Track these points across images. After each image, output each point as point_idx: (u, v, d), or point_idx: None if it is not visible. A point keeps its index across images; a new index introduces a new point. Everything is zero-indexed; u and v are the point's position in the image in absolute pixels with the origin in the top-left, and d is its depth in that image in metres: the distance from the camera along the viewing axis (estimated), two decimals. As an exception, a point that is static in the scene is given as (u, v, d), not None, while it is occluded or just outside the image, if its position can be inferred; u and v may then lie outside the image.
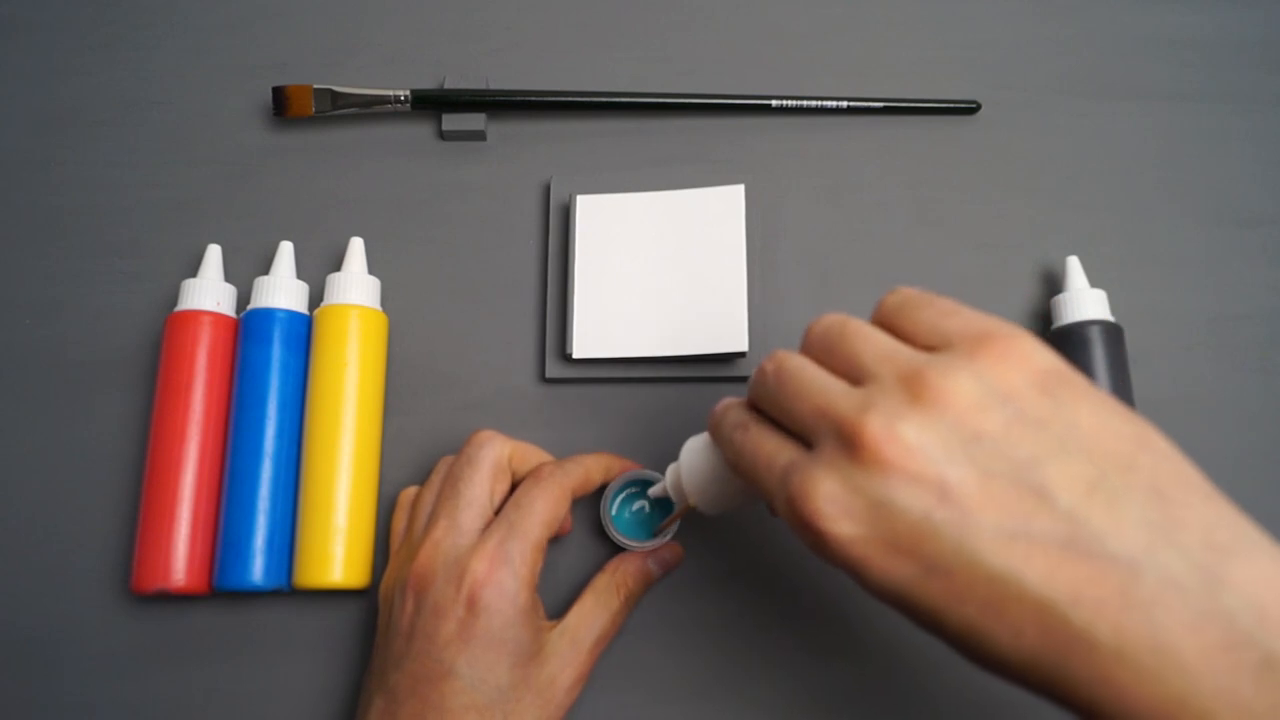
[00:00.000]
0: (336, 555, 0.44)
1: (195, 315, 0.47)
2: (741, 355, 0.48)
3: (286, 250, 0.49)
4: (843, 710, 0.44)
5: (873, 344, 0.31)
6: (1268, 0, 0.55)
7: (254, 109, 0.55)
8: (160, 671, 0.46)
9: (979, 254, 0.51)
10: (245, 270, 0.51)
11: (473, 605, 0.39)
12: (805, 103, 0.53)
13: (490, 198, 0.53)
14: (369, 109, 0.53)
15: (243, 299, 0.50)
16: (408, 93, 0.52)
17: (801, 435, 0.32)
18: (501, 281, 0.51)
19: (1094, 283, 0.48)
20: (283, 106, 0.52)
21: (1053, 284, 0.50)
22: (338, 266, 0.50)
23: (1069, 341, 0.46)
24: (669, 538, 0.45)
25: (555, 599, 0.46)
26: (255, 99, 0.55)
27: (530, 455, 0.45)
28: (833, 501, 0.29)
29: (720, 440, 0.35)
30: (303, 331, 0.48)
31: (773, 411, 0.33)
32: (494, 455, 0.43)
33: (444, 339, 0.50)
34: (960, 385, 0.28)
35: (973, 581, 0.27)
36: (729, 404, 0.36)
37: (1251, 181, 0.52)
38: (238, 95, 0.55)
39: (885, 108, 0.53)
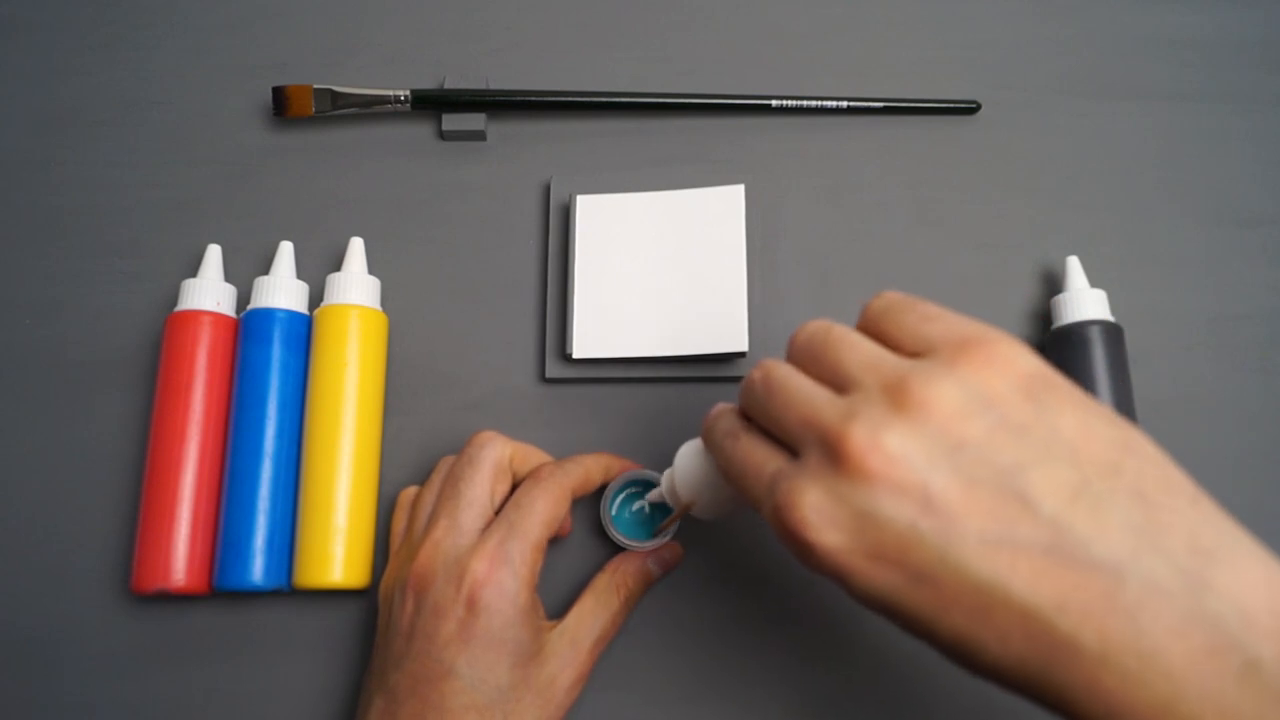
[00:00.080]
0: (336, 555, 0.44)
1: (195, 315, 0.47)
2: (741, 355, 0.48)
3: (286, 250, 0.49)
4: (841, 712, 0.44)
5: (856, 352, 0.31)
6: (1268, 0, 0.55)
7: (254, 109, 0.55)
8: (160, 671, 0.46)
9: (979, 254, 0.51)
10: (245, 270, 0.51)
11: (473, 605, 0.39)
12: (805, 103, 0.53)
13: (490, 198, 0.53)
14: (369, 109, 0.53)
15: (243, 299, 0.50)
16: (408, 93, 0.52)
17: (789, 444, 0.32)
18: (501, 281, 0.51)
19: (1094, 283, 0.48)
20: (283, 106, 0.53)
21: (1053, 284, 0.50)
22: (338, 266, 0.50)
23: (1069, 341, 0.46)
24: (669, 538, 0.45)
25: (555, 599, 0.46)
26: (255, 99, 0.55)
27: (531, 456, 0.45)
28: (818, 511, 0.29)
29: (712, 447, 0.36)
30: (303, 331, 0.48)
31: (761, 420, 0.33)
32: (495, 455, 0.43)
33: (444, 339, 0.50)
34: (943, 393, 0.28)
35: (958, 590, 0.27)
36: (721, 411, 0.36)
37: (1251, 181, 0.52)
38: (238, 95, 0.55)
39: (885, 108, 0.53)
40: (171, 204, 0.53)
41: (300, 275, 0.50)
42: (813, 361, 0.32)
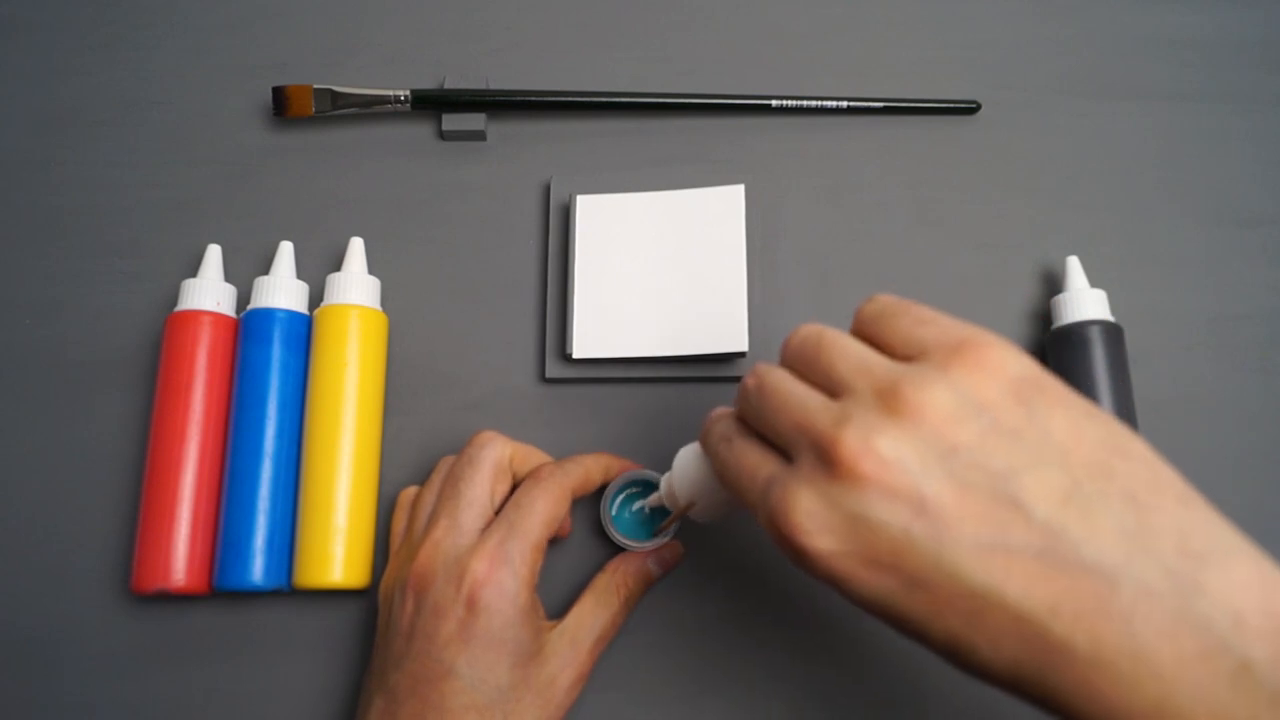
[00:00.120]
0: (336, 555, 0.44)
1: (195, 315, 0.47)
2: (741, 355, 0.48)
3: (286, 250, 0.49)
4: (840, 711, 0.44)
5: (848, 356, 0.31)
6: (1268, 0, 0.55)
7: (254, 109, 0.55)
8: (160, 671, 0.46)
9: (979, 254, 0.51)
10: (245, 270, 0.51)
11: (473, 605, 0.39)
12: (805, 103, 0.53)
13: (490, 198, 0.53)
14: (369, 109, 0.53)
15: (243, 299, 0.50)
16: (408, 93, 0.52)
17: (783, 449, 0.32)
18: (501, 281, 0.51)
19: (1094, 283, 0.48)
20: (283, 106, 0.53)
21: (1053, 284, 0.50)
22: (338, 266, 0.50)
23: (1069, 341, 0.46)
24: (669, 538, 0.45)
25: (555, 599, 0.46)
26: (255, 99, 0.55)
27: (531, 457, 0.45)
28: (812, 517, 0.29)
29: (708, 451, 0.36)
30: (303, 331, 0.48)
31: (756, 425, 0.33)
32: (495, 456, 0.43)
33: (444, 339, 0.50)
34: (935, 397, 0.29)
35: (952, 594, 0.28)
36: (718, 415, 0.36)
37: (1251, 181, 0.52)
38: (238, 95, 0.55)
39: (885, 108, 0.53)
40: (171, 204, 0.53)
41: (300, 275, 0.50)
42: (806, 366, 0.32)
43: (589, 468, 0.44)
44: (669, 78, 0.55)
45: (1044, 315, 0.50)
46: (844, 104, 0.53)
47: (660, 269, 0.49)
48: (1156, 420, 0.47)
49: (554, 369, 0.49)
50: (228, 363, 0.47)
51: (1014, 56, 0.55)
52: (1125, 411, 0.45)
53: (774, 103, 0.53)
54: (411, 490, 0.46)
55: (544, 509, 0.41)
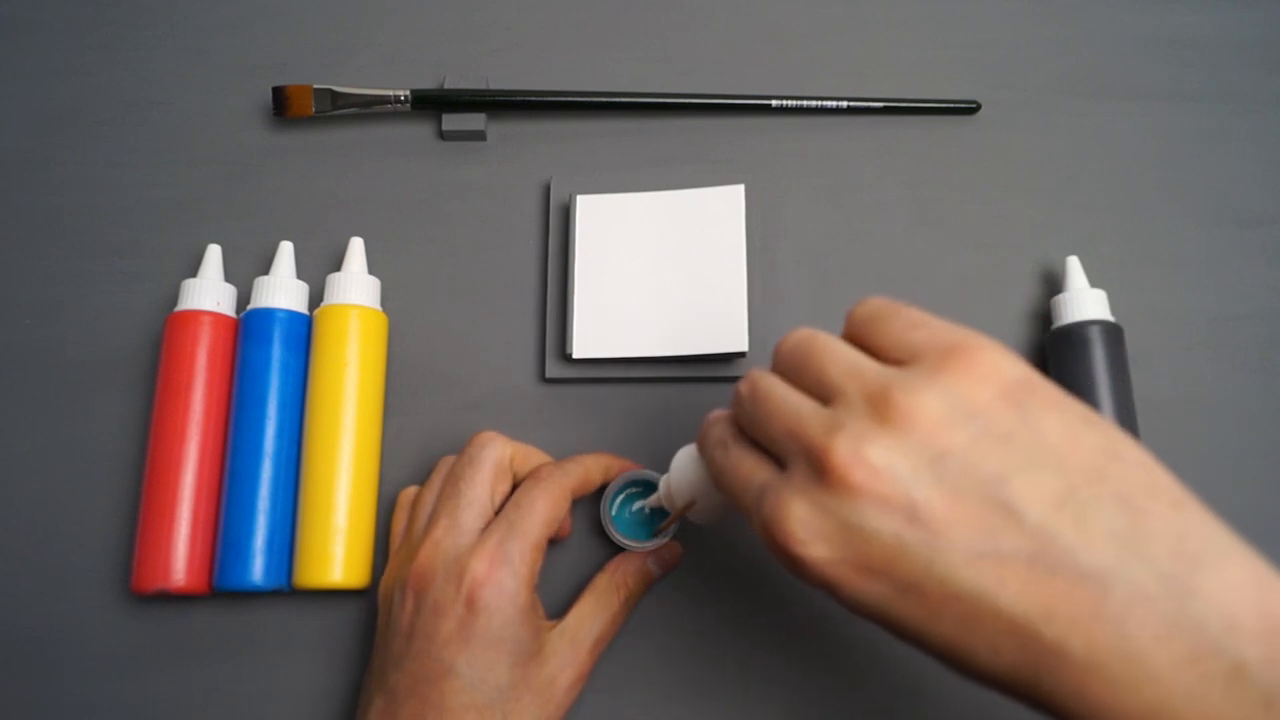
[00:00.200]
0: (336, 555, 0.44)
1: (195, 315, 0.47)
2: (741, 355, 0.48)
3: (286, 250, 0.49)
4: (839, 712, 0.44)
5: (839, 361, 0.31)
6: (1268, 0, 0.55)
7: (254, 109, 0.55)
8: (160, 671, 0.46)
9: (979, 254, 0.51)
10: (245, 270, 0.51)
11: (472, 604, 0.39)
12: (805, 103, 0.53)
13: (490, 198, 0.53)
14: (369, 109, 0.53)
15: (243, 299, 0.50)
16: (408, 93, 0.52)
17: (776, 455, 0.32)
18: (501, 281, 0.51)
19: (1094, 283, 0.48)
20: (283, 106, 0.53)
21: (1053, 284, 0.50)
22: (338, 266, 0.50)
23: (1069, 341, 0.46)
24: (669, 538, 0.45)
25: (555, 599, 0.46)
26: (255, 99, 0.55)
27: (531, 457, 0.45)
28: (805, 526, 0.29)
29: (705, 456, 0.36)
30: (303, 331, 0.48)
31: (750, 431, 0.33)
32: (496, 456, 0.43)
33: (444, 339, 0.50)
34: (926, 403, 0.28)
35: (946, 600, 0.28)
36: (716, 418, 0.36)
37: (1251, 181, 0.52)
38: (238, 95, 0.55)
39: (885, 108, 0.53)
40: (171, 204, 0.53)
41: (300, 275, 0.50)
42: (797, 372, 0.32)
43: (589, 468, 0.44)
44: (669, 78, 0.55)
45: (1044, 315, 0.50)
46: (844, 104, 0.53)
47: (660, 269, 0.49)
48: (1156, 420, 0.47)
49: (554, 369, 0.49)
50: (228, 363, 0.47)
51: (1014, 56, 0.55)
52: (1125, 411, 0.45)
53: (774, 103, 0.53)
54: (411, 490, 0.46)
55: (544, 509, 0.41)
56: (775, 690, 0.45)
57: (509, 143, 0.54)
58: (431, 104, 0.53)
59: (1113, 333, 0.46)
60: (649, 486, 0.46)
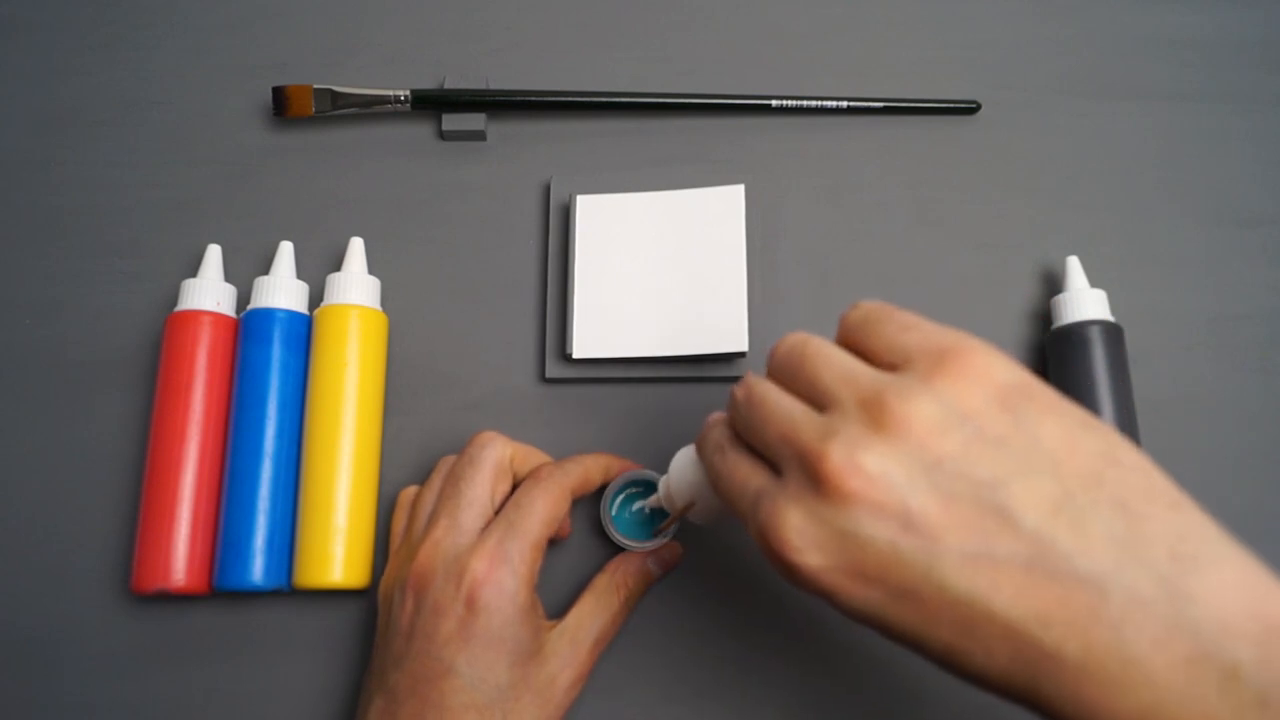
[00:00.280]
0: (336, 555, 0.44)
1: (195, 315, 0.47)
2: (741, 355, 0.48)
3: (286, 250, 0.49)
4: (839, 712, 0.44)
5: (833, 367, 0.31)
6: (1268, 0, 0.55)
7: (254, 109, 0.55)
8: (160, 671, 0.46)
9: (979, 254, 0.51)
10: (245, 270, 0.51)
11: (472, 604, 0.39)
12: (805, 103, 0.53)
13: (490, 198, 0.53)
14: (369, 109, 0.53)
15: (243, 299, 0.50)
16: (408, 93, 0.52)
17: (772, 461, 0.32)
18: (501, 281, 0.51)
19: (1094, 283, 0.48)
20: (283, 106, 0.53)
21: (1053, 284, 0.50)
22: (338, 266, 0.50)
23: (1069, 341, 0.46)
24: (669, 538, 0.45)
25: (555, 599, 0.46)
26: (255, 99, 0.55)
27: (531, 457, 0.45)
28: (800, 534, 0.29)
29: (703, 459, 0.36)
30: (303, 331, 0.48)
31: (746, 436, 0.33)
32: (496, 456, 0.43)
33: (444, 339, 0.50)
34: (919, 408, 0.28)
35: (942, 606, 0.28)
36: (715, 421, 0.36)
37: (1251, 181, 0.52)
38: (238, 95, 0.55)
39: (885, 108, 0.53)
40: (171, 204, 0.53)
41: (300, 275, 0.50)
42: (791, 377, 0.32)
43: (589, 468, 0.44)
44: (669, 78, 0.55)
45: (1044, 315, 0.50)
46: (844, 104, 0.53)
47: (660, 269, 0.49)
48: (1156, 420, 0.47)
49: (554, 369, 0.49)
50: (228, 363, 0.47)
51: (1014, 56, 0.55)
52: (1125, 412, 0.45)
53: (774, 103, 0.53)
54: (411, 490, 0.46)
55: (544, 508, 0.41)
56: (774, 691, 0.45)
57: (509, 143, 0.54)
58: (431, 104, 0.53)
59: (1113, 333, 0.46)
60: (649, 486, 0.46)
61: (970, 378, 0.29)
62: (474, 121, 0.53)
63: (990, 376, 0.29)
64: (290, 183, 0.53)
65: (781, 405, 0.32)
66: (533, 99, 0.53)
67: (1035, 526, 0.27)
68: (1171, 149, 0.53)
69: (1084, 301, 0.47)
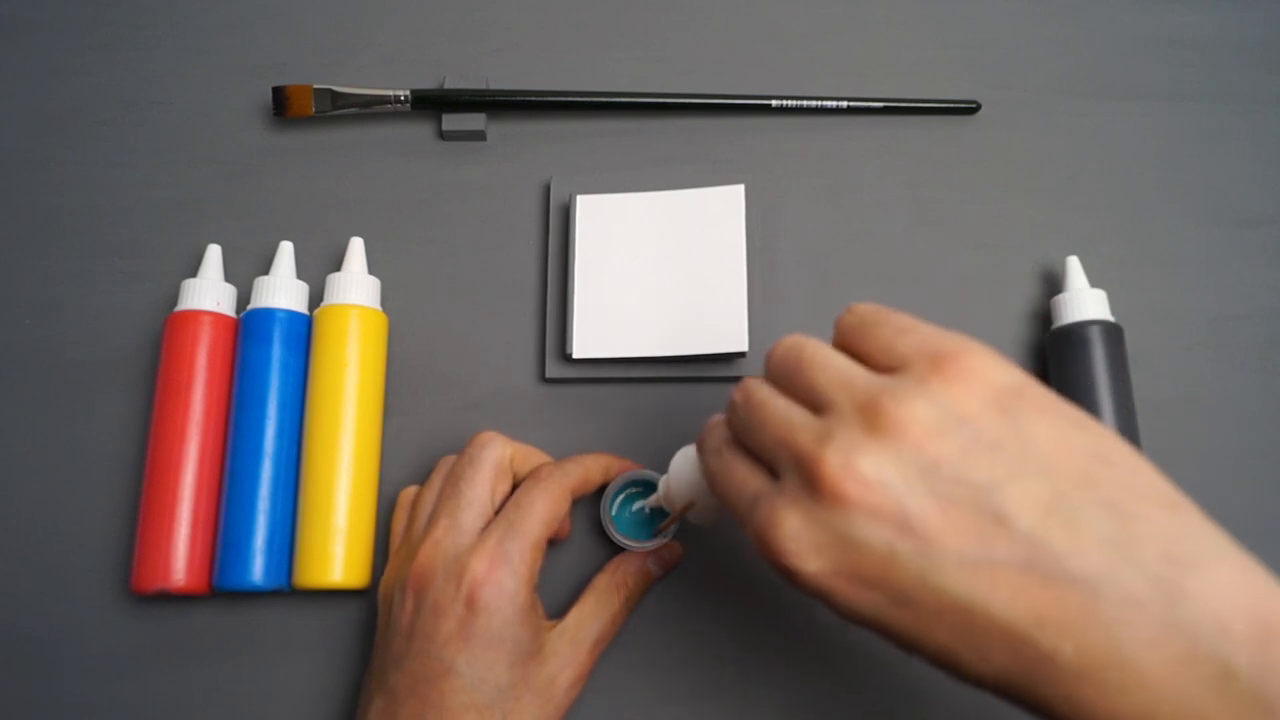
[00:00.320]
0: (336, 555, 0.44)
1: (195, 315, 0.47)
2: (741, 355, 0.48)
3: (286, 250, 0.49)
4: (839, 713, 0.44)
5: (829, 370, 0.31)
6: (1268, 0, 0.55)
7: (254, 109, 0.55)
8: (160, 671, 0.46)
9: (979, 254, 0.51)
10: (245, 270, 0.51)
11: (472, 604, 0.39)
12: (805, 103, 0.53)
13: (490, 198, 0.53)
14: (369, 109, 0.53)
15: (243, 299, 0.50)
16: (408, 93, 0.52)
17: (769, 464, 0.32)
18: (501, 281, 0.51)
19: (1094, 283, 0.48)
20: (283, 106, 0.53)
21: (1053, 284, 0.50)
22: (338, 266, 0.50)
23: (1069, 341, 0.46)
24: (669, 538, 0.45)
25: (555, 599, 0.46)
26: (255, 99, 0.55)
27: (531, 457, 0.45)
28: (797, 538, 0.29)
29: (702, 461, 0.36)
30: (303, 331, 0.48)
31: (743, 439, 0.33)
32: (496, 456, 0.43)
33: (444, 339, 0.50)
34: (916, 412, 0.28)
35: (939, 609, 0.28)
36: (713, 424, 0.36)
37: (1251, 181, 0.52)
38: (238, 95, 0.55)
39: (885, 108, 0.53)
40: (171, 204, 0.53)
41: (300, 275, 0.50)
42: (788, 381, 0.32)
43: (589, 468, 0.44)
44: (669, 78, 0.55)
45: (1044, 315, 0.50)
46: (844, 104, 0.53)
47: (660, 269, 0.49)
48: (1156, 420, 0.47)
49: (554, 369, 0.49)
50: (228, 363, 0.47)
51: (1014, 56, 0.55)
52: (1125, 412, 0.45)
53: (774, 103, 0.53)
54: (411, 490, 0.46)
55: (543, 508, 0.41)
56: (774, 691, 0.45)
57: (509, 143, 0.54)
58: (431, 104, 0.53)
59: (1113, 333, 0.46)
60: (649, 486, 0.46)
61: (966, 380, 0.29)
62: (474, 121, 0.53)
63: (986, 379, 0.29)
64: (290, 183, 0.53)
65: (778, 409, 0.32)
66: (533, 99, 0.53)
67: (1029, 529, 0.27)
68: (1171, 149, 0.53)
69: (1084, 301, 0.47)
